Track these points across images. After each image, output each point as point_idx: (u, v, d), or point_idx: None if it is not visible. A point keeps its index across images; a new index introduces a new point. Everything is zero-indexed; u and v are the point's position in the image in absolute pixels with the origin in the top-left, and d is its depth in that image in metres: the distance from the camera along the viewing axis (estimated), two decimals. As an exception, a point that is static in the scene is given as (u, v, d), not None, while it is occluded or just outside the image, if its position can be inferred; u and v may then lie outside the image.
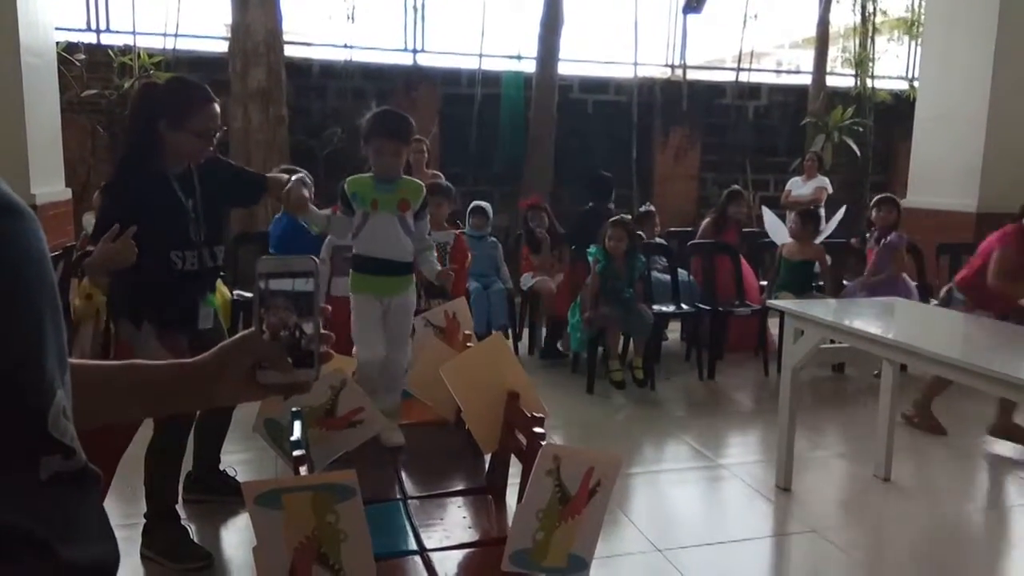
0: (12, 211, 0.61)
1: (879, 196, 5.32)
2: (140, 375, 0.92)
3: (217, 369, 0.90)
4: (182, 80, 2.72)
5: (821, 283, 5.22)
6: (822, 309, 3.40)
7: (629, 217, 5.13)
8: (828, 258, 5.22)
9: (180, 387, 0.92)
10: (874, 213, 5.17)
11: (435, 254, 2.86)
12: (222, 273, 2.97)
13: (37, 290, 0.63)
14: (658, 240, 5.76)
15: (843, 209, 5.76)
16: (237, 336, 0.92)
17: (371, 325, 2.69)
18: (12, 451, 0.61)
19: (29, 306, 0.62)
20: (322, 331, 0.90)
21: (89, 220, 4.87)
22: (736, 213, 5.85)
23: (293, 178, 2.69)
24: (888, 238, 5.04)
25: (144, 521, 2.70)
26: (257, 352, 0.89)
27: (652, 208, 6.09)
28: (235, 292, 4.53)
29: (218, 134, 2.57)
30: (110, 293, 2.72)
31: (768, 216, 5.85)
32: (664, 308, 5.08)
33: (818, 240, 5.30)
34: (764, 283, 5.63)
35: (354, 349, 2.68)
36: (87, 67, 6.99)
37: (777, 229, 5.68)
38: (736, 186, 6.21)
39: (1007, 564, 2.87)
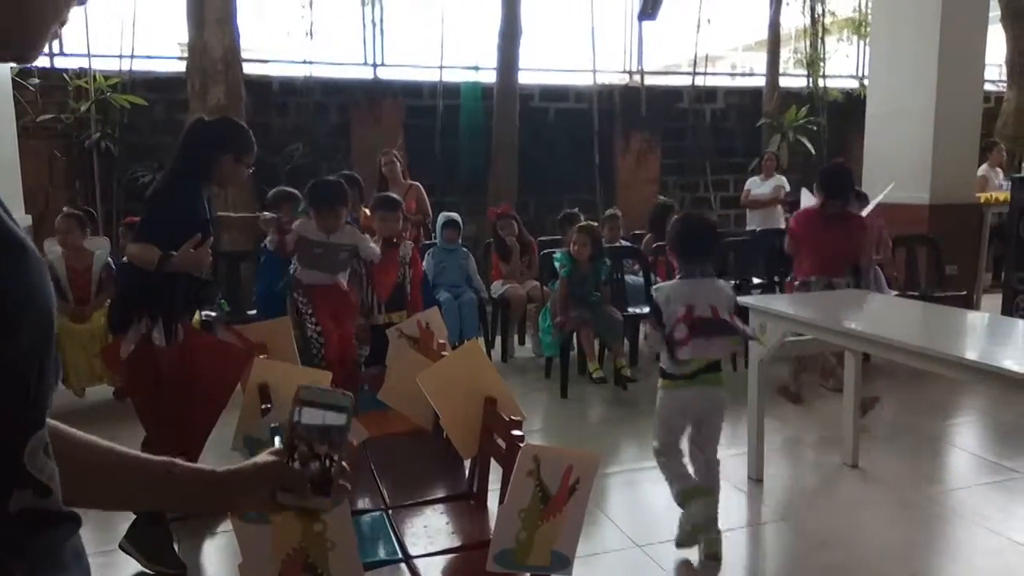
0: (14, 246, 0.63)
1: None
2: (173, 472, 0.92)
3: (241, 486, 0.94)
4: (236, 122, 3.08)
5: None
6: (783, 303, 3.49)
7: (594, 223, 5.20)
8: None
9: (203, 492, 0.95)
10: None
11: None
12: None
13: (32, 323, 0.64)
14: (624, 243, 5.83)
15: (892, 184, 5.46)
16: (267, 462, 0.94)
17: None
18: None
19: (23, 337, 0.63)
20: (344, 465, 0.93)
21: (51, 247, 4.77)
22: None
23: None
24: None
25: (134, 517, 2.75)
26: (284, 480, 0.92)
27: (617, 212, 6.17)
28: (203, 314, 4.48)
29: None
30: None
31: (806, 196, 5.34)
32: (638, 310, 5.13)
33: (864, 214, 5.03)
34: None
35: None
36: (42, 91, 6.88)
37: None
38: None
39: (973, 542, 2.97)
